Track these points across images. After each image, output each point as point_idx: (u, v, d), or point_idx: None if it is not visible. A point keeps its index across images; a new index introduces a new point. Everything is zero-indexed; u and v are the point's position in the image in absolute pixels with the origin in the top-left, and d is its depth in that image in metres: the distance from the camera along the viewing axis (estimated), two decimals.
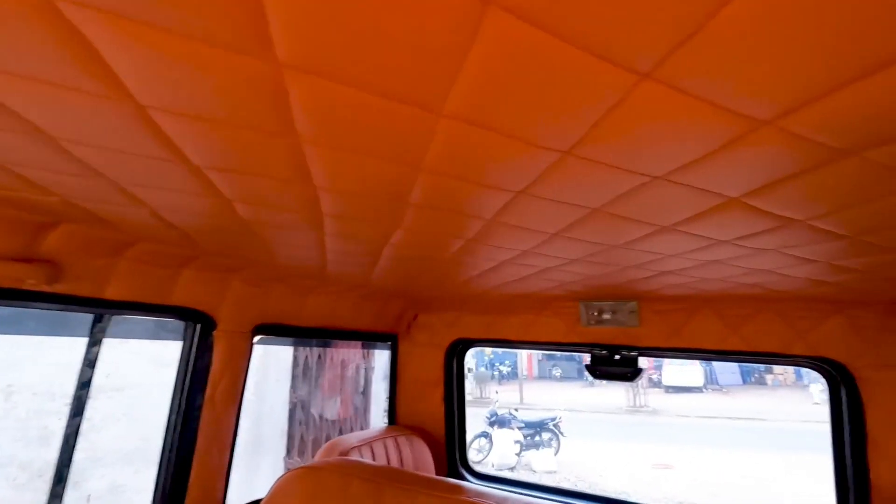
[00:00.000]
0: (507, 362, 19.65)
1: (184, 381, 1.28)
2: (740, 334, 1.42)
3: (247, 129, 0.48)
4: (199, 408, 1.27)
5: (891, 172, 0.50)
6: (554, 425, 8.30)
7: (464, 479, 1.89)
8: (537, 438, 8.22)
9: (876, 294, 1.16)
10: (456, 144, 0.49)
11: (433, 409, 1.90)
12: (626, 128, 0.44)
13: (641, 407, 13.84)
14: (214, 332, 1.31)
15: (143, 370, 3.18)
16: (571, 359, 19.99)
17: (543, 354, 22.77)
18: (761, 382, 17.87)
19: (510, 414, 8.52)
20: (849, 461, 1.33)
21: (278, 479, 1.14)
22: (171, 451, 1.24)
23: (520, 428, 8.19)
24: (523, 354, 21.07)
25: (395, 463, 1.65)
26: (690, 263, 0.98)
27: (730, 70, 0.36)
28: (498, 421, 8.26)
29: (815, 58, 0.34)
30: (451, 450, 1.89)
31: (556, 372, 20.07)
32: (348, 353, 3.69)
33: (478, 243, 0.92)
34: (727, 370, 17.60)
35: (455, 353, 1.91)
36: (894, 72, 0.35)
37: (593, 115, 0.42)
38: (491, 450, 7.85)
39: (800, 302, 1.33)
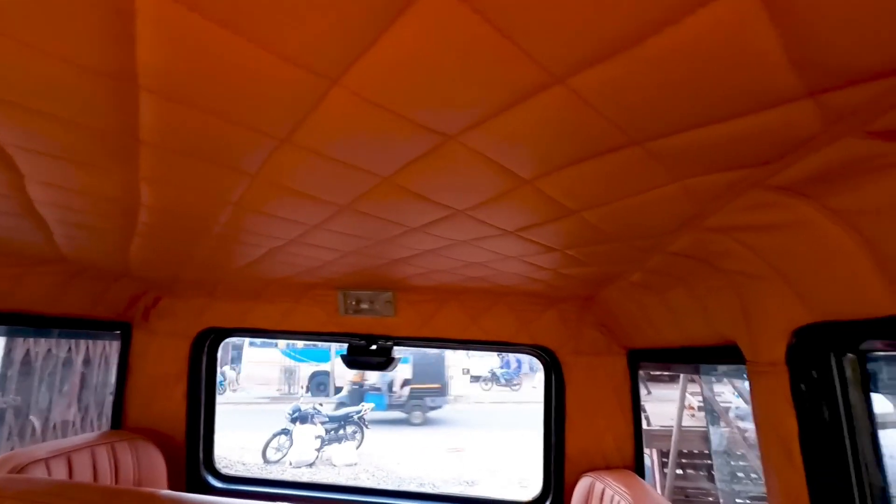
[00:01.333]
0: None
1: None
2: (479, 325, 1.56)
3: None
4: None
5: (563, 192, 0.57)
6: (359, 418, 8.34)
7: (207, 484, 1.69)
8: (341, 432, 8.16)
9: (575, 291, 1.37)
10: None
11: (174, 407, 1.65)
12: (335, 129, 0.45)
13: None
14: None
15: None
16: None
17: None
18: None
19: (314, 409, 8.28)
20: (553, 433, 1.56)
21: None
22: None
23: (323, 423, 8.01)
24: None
25: (105, 475, 1.38)
26: (438, 258, 1.02)
27: (411, 83, 0.36)
28: (300, 417, 7.94)
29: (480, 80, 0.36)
30: (193, 453, 1.67)
31: None
32: (96, 346, 3.06)
33: (234, 228, 0.81)
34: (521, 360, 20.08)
35: (204, 345, 1.70)
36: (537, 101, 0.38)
37: (297, 113, 0.42)
38: (291, 447, 7.50)
39: (524, 297, 1.50)
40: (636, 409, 1.50)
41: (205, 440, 1.71)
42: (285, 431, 7.63)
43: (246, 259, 1.14)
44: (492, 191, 0.59)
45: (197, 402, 1.68)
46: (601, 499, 1.26)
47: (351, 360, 1.58)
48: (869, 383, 0.59)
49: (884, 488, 0.58)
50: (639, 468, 1.47)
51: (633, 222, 0.66)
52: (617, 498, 1.17)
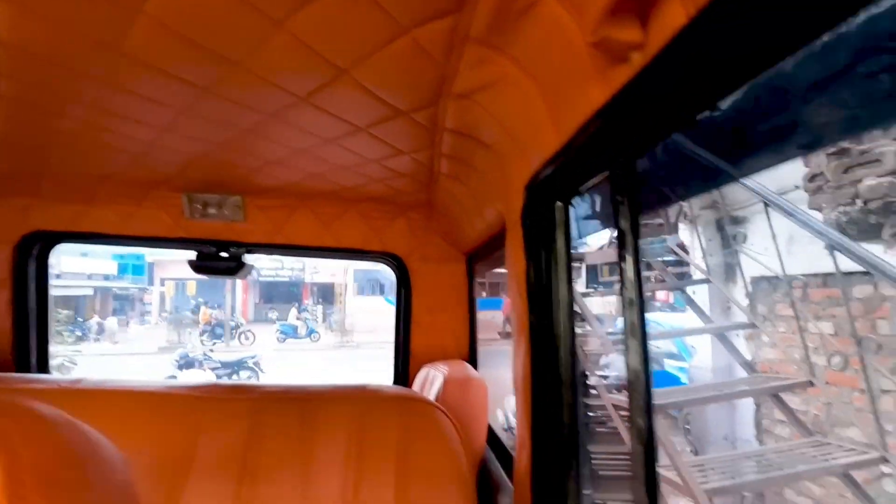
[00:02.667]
0: (216, 305, 18.19)
1: None
2: (332, 232, 1.62)
3: None
4: None
5: None
6: (254, 363, 8.20)
7: None
8: (235, 377, 8.00)
9: (416, 196, 1.48)
10: None
11: None
12: None
13: (347, 342, 15.14)
14: None
15: None
16: (290, 300, 20.00)
17: (257, 297, 22.01)
18: None
19: (204, 355, 7.99)
20: (402, 333, 1.71)
21: None
22: None
23: (214, 368, 7.78)
24: (238, 295, 19.90)
25: None
26: (285, 153, 1.05)
27: None
28: (187, 363, 7.63)
29: None
30: (23, 364, 1.58)
31: (273, 314, 19.80)
32: None
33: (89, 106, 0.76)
34: None
35: (31, 252, 1.57)
36: None
37: None
38: None
39: (374, 205, 1.58)
40: (472, 309, 1.68)
41: (38, 352, 1.62)
42: (172, 378, 7.32)
43: (79, 146, 1.07)
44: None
45: (24, 312, 1.57)
46: (429, 380, 1.42)
47: (199, 266, 1.57)
48: (569, 227, 0.75)
49: (570, 302, 0.75)
50: (472, 359, 1.67)
51: (400, 84, 0.75)
52: (436, 373, 1.33)
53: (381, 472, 0.89)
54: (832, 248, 2.14)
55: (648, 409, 0.60)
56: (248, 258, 1.64)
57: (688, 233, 4.39)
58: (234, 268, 1.59)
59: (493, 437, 1.40)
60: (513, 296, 0.83)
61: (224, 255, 1.60)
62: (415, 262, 1.66)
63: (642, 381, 0.59)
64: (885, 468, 2.60)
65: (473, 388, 1.24)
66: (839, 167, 2.55)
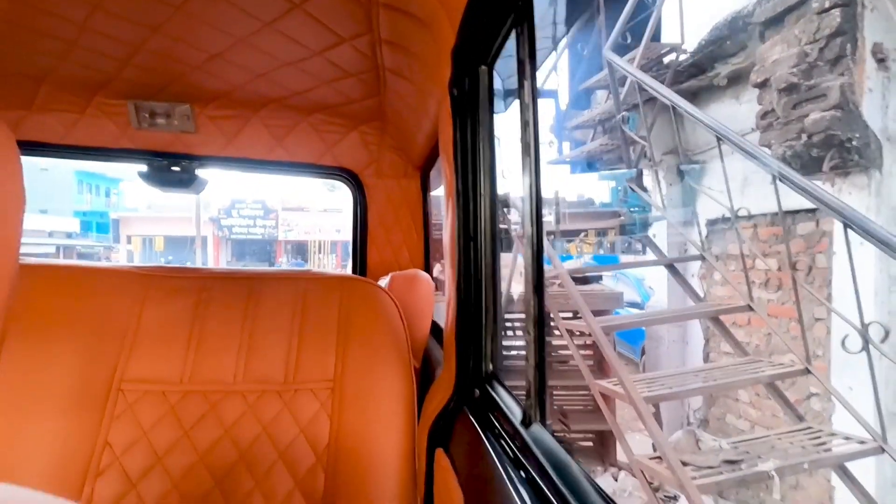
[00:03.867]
0: (185, 263, 17.84)
1: None
2: (284, 146, 1.62)
3: None
4: None
5: None
6: None
7: None
8: None
9: (370, 107, 1.49)
10: None
11: None
12: None
13: None
14: None
15: None
16: (263, 258, 19.76)
17: (230, 255, 21.67)
18: None
19: None
20: (358, 249, 1.75)
21: None
22: None
23: None
24: (210, 253, 19.54)
25: None
26: (226, 42, 1.04)
27: None
28: None
29: None
30: None
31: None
32: None
33: None
34: None
35: None
36: None
37: None
38: None
39: (327, 115, 1.58)
40: (426, 224, 1.74)
41: None
42: None
43: (9, 43, 1.03)
44: None
45: None
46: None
47: (151, 177, 1.56)
48: (492, 91, 0.79)
49: (493, 165, 0.80)
50: (426, 271, 1.73)
51: None
52: (387, 279, 1.39)
53: (324, 343, 0.95)
54: (777, 178, 2.26)
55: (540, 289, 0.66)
56: (202, 173, 1.64)
57: (650, 178, 4.50)
58: (188, 180, 1.58)
59: (437, 334, 1.47)
60: (443, 164, 0.88)
61: (175, 168, 1.59)
62: (369, 177, 1.69)
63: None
64: (807, 381, 2.86)
65: (419, 282, 1.30)
66: (788, 103, 2.64)
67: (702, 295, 4.04)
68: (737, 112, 3.89)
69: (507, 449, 0.60)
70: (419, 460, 0.87)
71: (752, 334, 3.78)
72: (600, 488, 0.46)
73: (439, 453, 0.78)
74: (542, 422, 0.57)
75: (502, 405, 0.68)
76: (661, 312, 3.49)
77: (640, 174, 4.52)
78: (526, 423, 0.58)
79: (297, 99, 1.44)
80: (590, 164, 5.03)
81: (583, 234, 4.34)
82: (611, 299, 4.18)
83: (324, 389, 0.92)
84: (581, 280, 4.45)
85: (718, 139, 2.64)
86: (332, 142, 1.64)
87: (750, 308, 2.63)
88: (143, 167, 1.57)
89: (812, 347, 2.86)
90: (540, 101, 0.72)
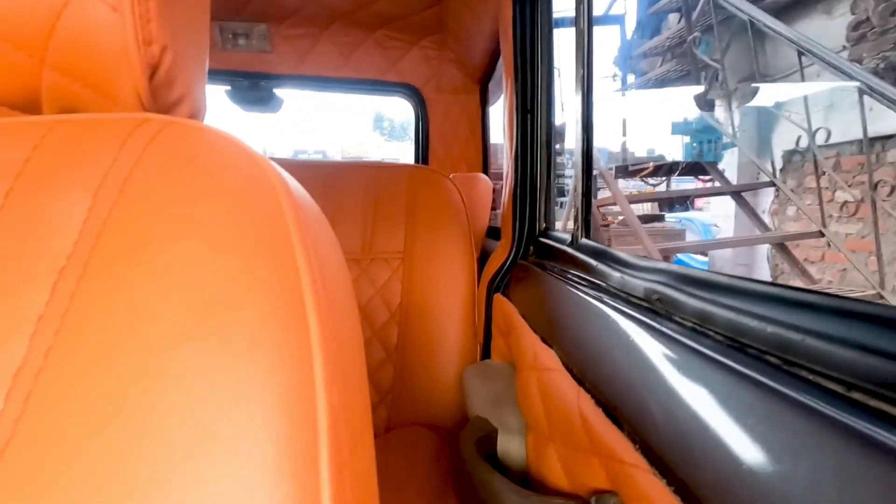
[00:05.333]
0: None
1: None
2: (351, 63, 1.72)
3: None
4: None
5: None
6: None
7: None
8: None
9: (430, 20, 1.54)
10: None
11: None
12: None
13: None
14: None
15: None
16: None
17: None
18: None
19: None
20: (420, 162, 1.86)
21: None
22: None
23: None
24: None
25: None
26: None
27: None
28: None
29: None
30: None
31: None
32: None
33: None
34: None
35: None
36: None
37: None
38: None
39: (390, 31, 1.66)
40: (485, 138, 1.80)
41: None
42: None
43: None
44: None
45: None
46: None
47: (235, 96, 1.73)
48: None
49: (549, 45, 0.86)
50: None
51: None
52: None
53: (394, 221, 1.08)
54: (865, 91, 2.09)
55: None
56: (279, 93, 1.78)
57: (722, 109, 4.23)
58: (266, 98, 1.74)
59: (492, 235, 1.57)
60: (501, 44, 0.94)
61: (256, 88, 1.74)
62: (430, 92, 1.76)
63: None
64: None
65: (479, 182, 1.39)
66: (887, 9, 2.38)
67: (772, 230, 3.86)
68: (827, 28, 3.53)
69: (558, 268, 0.69)
70: (478, 309, 1.00)
71: (824, 271, 3.60)
72: (646, 264, 0.52)
73: (497, 297, 0.89)
74: (588, 237, 0.66)
75: (554, 247, 0.78)
76: (724, 239, 3.39)
77: (710, 102, 4.25)
78: (574, 243, 0.67)
79: (363, 13, 1.52)
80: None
81: (644, 173, 4.19)
82: (672, 236, 4.09)
83: (395, 259, 1.06)
84: (643, 219, 4.36)
85: (800, 54, 2.45)
86: (395, 58, 1.71)
87: (821, 234, 2.52)
88: (228, 87, 1.73)
89: (890, 281, 2.71)
90: (604, 29, 0.75)
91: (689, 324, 0.39)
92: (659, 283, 0.44)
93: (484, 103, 1.77)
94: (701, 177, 4.52)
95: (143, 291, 0.19)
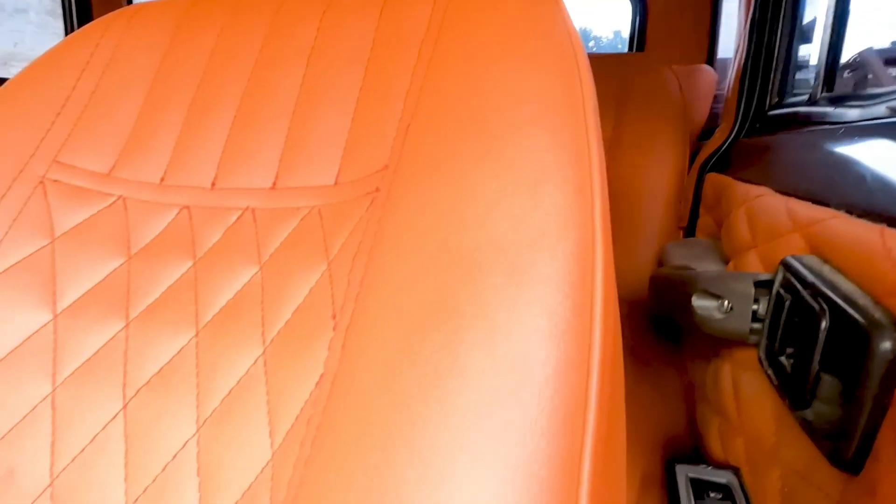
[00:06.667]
0: None
1: None
2: None
3: None
4: None
5: None
6: None
7: None
8: None
9: None
10: None
11: None
12: None
13: None
14: None
15: None
16: None
17: None
18: None
19: None
20: (636, 48, 1.77)
21: None
22: None
23: None
24: None
25: None
26: None
27: None
28: None
29: None
30: None
31: None
32: None
33: None
34: None
35: None
36: None
37: None
38: None
39: None
40: (715, 25, 1.59)
41: None
42: None
43: None
44: None
45: None
46: None
47: None
48: None
49: None
50: None
51: None
52: None
53: (604, 108, 1.11)
54: None
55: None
56: None
57: None
58: None
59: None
60: None
61: None
62: None
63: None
64: None
65: (701, 73, 1.29)
66: None
67: None
68: None
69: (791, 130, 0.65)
70: (685, 197, 0.99)
71: None
72: None
73: (710, 175, 0.88)
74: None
75: (785, 114, 0.72)
76: None
77: None
78: (811, 100, 0.63)
79: None
80: None
81: None
82: None
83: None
84: None
85: None
86: None
87: None
88: None
89: None
90: None
91: None
92: None
93: None
94: None
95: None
